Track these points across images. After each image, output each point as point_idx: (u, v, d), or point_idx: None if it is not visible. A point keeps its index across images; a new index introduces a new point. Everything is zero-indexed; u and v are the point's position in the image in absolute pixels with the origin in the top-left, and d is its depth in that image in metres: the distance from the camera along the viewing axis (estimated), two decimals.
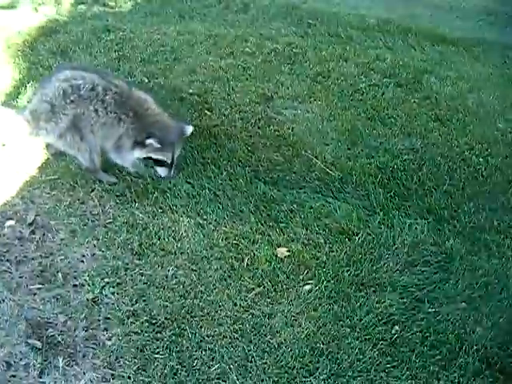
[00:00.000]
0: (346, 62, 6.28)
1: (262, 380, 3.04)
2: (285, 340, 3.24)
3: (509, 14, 9.13)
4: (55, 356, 3.08)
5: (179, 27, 6.79)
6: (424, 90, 5.87)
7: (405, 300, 3.53)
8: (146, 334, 3.20)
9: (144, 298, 3.41)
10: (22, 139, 4.42)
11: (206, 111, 5.15)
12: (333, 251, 3.81)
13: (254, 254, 3.73)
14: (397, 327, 3.36)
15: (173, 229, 3.88)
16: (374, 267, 3.72)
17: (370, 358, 3.18)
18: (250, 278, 3.58)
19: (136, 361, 3.07)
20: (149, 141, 3.99)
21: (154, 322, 3.28)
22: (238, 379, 3.02)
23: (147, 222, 3.92)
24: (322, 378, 3.06)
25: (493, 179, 4.68)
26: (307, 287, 3.55)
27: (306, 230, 3.96)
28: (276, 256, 3.74)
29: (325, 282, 3.57)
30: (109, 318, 3.29)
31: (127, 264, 3.61)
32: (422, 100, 5.69)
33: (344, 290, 3.54)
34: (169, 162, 4.13)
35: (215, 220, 3.97)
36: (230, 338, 3.23)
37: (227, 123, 5.01)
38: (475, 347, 3.27)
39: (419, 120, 5.34)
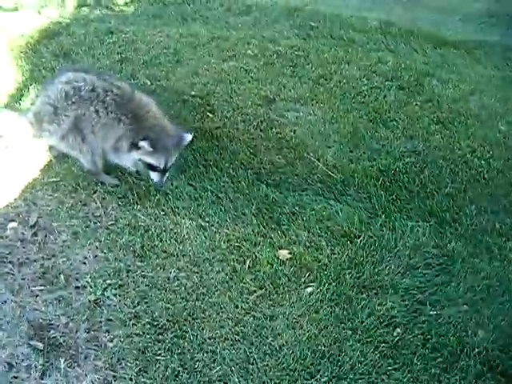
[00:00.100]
0: (348, 65, 6.27)
1: (264, 382, 3.05)
2: (286, 342, 3.24)
3: (510, 15, 9.11)
4: (57, 357, 3.08)
5: (182, 30, 6.80)
6: (426, 93, 5.87)
7: (406, 302, 3.53)
8: (148, 336, 3.21)
9: (146, 300, 3.41)
10: (25, 141, 4.43)
11: (208, 113, 5.15)
12: (334, 254, 3.81)
13: (256, 256, 3.74)
14: (398, 330, 3.36)
15: (175, 231, 3.88)
16: (376, 270, 3.72)
17: (371, 360, 3.18)
18: (251, 280, 3.58)
19: (138, 363, 3.08)
20: (142, 143, 3.95)
21: (155, 323, 3.28)
22: (239, 381, 3.03)
23: (149, 224, 3.92)
24: (323, 380, 3.07)
25: (495, 182, 4.68)
26: (309, 289, 3.56)
27: (308, 232, 3.96)
28: (278, 258, 3.74)
29: (326, 285, 3.58)
30: (111, 320, 3.30)
31: (129, 266, 3.62)
32: (424, 103, 5.69)
33: (346, 293, 3.55)
34: (161, 167, 4.05)
35: (217, 222, 3.98)
36: (232, 340, 3.24)
37: (229, 125, 5.01)
38: (477, 350, 3.27)
39: (421, 123, 5.34)
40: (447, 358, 3.23)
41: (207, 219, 4.00)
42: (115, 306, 3.38)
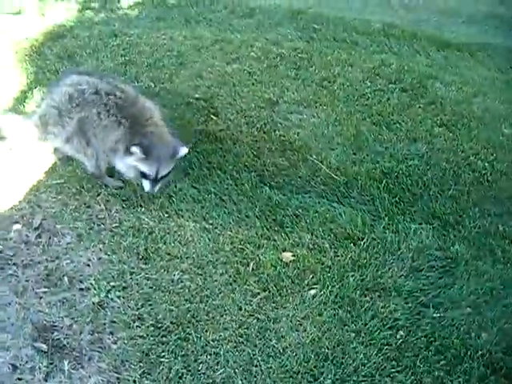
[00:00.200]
0: (352, 67, 6.28)
1: None
2: (290, 344, 3.25)
3: None
4: (61, 359, 3.09)
5: (185, 32, 6.80)
6: (429, 95, 5.87)
7: (410, 305, 3.53)
8: (152, 338, 3.22)
9: (150, 302, 3.42)
10: (29, 144, 4.44)
11: (211, 116, 5.16)
12: (338, 256, 3.82)
13: (260, 258, 3.74)
14: (402, 332, 3.36)
15: (179, 233, 3.89)
16: (379, 272, 3.73)
17: (374, 362, 3.18)
18: (255, 282, 3.59)
19: (141, 365, 3.09)
20: (134, 148, 3.91)
21: (159, 326, 3.29)
22: (242, 383, 3.04)
23: (153, 226, 3.93)
24: (326, 382, 3.07)
25: (498, 184, 4.68)
26: (312, 292, 3.56)
27: (311, 234, 3.96)
28: (281, 261, 3.75)
29: (330, 287, 3.58)
30: (114, 322, 3.31)
31: (133, 268, 3.63)
32: (427, 105, 5.69)
33: (349, 295, 3.55)
34: (152, 176, 3.99)
35: (221, 225, 3.98)
36: (235, 342, 3.24)
37: (233, 128, 5.02)
38: (480, 352, 3.27)
39: (424, 125, 5.34)
40: (450, 361, 3.23)
41: (211, 221, 4.00)
42: (119, 308, 3.39)
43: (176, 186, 4.25)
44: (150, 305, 3.41)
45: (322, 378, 3.09)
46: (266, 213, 4.11)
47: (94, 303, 3.39)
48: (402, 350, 3.26)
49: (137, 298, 3.44)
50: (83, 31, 6.72)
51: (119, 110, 4.02)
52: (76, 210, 4.03)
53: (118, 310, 3.37)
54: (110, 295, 3.45)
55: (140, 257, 3.71)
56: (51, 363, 3.07)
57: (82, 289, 3.50)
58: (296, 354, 3.19)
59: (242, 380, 3.05)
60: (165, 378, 3.03)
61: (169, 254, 3.74)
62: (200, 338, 3.24)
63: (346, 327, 3.37)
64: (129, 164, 4.07)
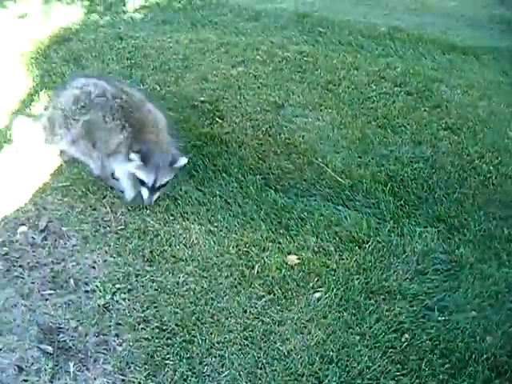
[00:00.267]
0: (357, 71, 6.29)
1: None
2: (294, 347, 3.25)
3: None
4: (66, 361, 3.10)
5: (191, 35, 6.83)
6: (434, 99, 5.87)
7: (414, 308, 3.53)
8: (157, 341, 3.22)
9: (155, 305, 3.42)
10: (36, 146, 4.47)
11: (217, 119, 5.17)
12: (343, 259, 3.82)
13: (265, 261, 3.74)
14: (406, 335, 3.36)
15: (184, 236, 3.90)
16: (384, 275, 3.72)
17: (379, 365, 3.18)
18: (260, 285, 3.59)
19: (146, 367, 3.09)
20: (132, 155, 3.89)
21: (164, 328, 3.29)
22: None
23: (158, 228, 3.94)
24: None
25: (503, 188, 4.68)
26: (317, 295, 3.56)
27: (317, 237, 3.96)
28: (286, 263, 3.75)
29: (335, 290, 3.58)
30: (120, 324, 3.31)
31: (138, 270, 3.63)
32: (433, 108, 5.69)
33: (354, 298, 3.55)
34: (149, 184, 3.95)
35: (226, 227, 3.99)
36: (240, 344, 3.24)
37: (238, 131, 5.03)
38: (485, 356, 3.26)
39: (429, 128, 5.34)
40: (455, 364, 3.22)
41: (216, 224, 4.01)
42: (124, 310, 3.39)
43: (181, 189, 4.26)
44: (156, 307, 3.41)
45: (326, 381, 3.09)
46: (271, 216, 4.11)
47: (99, 305, 3.40)
48: (406, 353, 3.26)
49: (142, 301, 3.45)
50: (89, 34, 6.75)
51: (124, 113, 4.02)
52: (82, 212, 4.04)
53: (124, 313, 3.37)
54: (115, 297, 3.45)
55: (145, 259, 3.72)
56: (57, 365, 3.07)
57: (87, 291, 3.50)
58: (301, 357, 3.19)
59: (246, 382, 3.04)
60: (170, 380, 3.03)
61: (174, 257, 3.75)
62: (205, 340, 3.24)
63: (351, 330, 3.37)
64: (127, 171, 4.05)
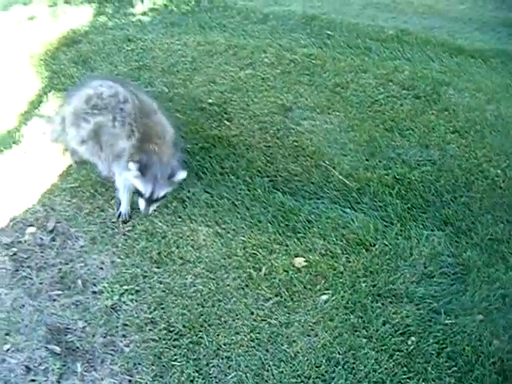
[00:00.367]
0: (365, 74, 6.28)
1: None
2: (301, 349, 3.26)
3: None
4: (74, 361, 3.13)
5: (199, 38, 6.83)
6: (442, 102, 5.85)
7: (421, 311, 3.53)
8: (164, 342, 3.24)
9: (162, 306, 3.45)
10: (44, 147, 4.50)
11: (225, 121, 5.18)
12: (350, 262, 3.83)
13: (272, 263, 3.75)
14: (413, 338, 3.36)
15: (191, 238, 3.91)
16: (391, 278, 3.73)
17: (385, 368, 3.19)
18: (267, 287, 3.60)
19: (154, 368, 3.11)
20: (131, 164, 3.82)
21: (171, 329, 3.32)
22: None
23: (166, 230, 3.95)
24: None
25: (511, 191, 4.66)
26: (324, 297, 3.57)
27: (324, 240, 3.97)
28: (293, 266, 3.76)
29: (342, 293, 3.59)
30: (127, 325, 3.33)
31: (146, 272, 3.65)
32: (440, 112, 5.68)
33: (361, 301, 3.56)
34: (146, 195, 3.88)
35: (233, 229, 4.00)
36: (247, 346, 3.26)
37: (246, 133, 5.04)
38: (492, 360, 3.27)
39: (437, 132, 5.33)
40: (462, 368, 3.23)
41: (223, 226, 4.02)
42: (132, 311, 3.41)
43: (189, 191, 4.27)
44: (163, 308, 3.44)
45: (333, 383, 3.10)
46: (279, 218, 4.12)
47: (107, 306, 3.43)
48: (413, 356, 3.27)
49: (149, 302, 3.47)
50: (97, 36, 6.76)
51: (134, 119, 3.99)
52: (90, 213, 4.07)
53: (131, 313, 3.40)
54: (122, 298, 3.48)
55: (153, 261, 3.74)
56: (64, 365, 3.10)
57: (95, 292, 3.53)
58: (307, 359, 3.20)
59: None
60: (177, 381, 3.06)
61: (181, 258, 3.76)
62: (212, 341, 3.26)
63: (358, 333, 3.38)
64: (127, 179, 3.99)
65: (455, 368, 3.22)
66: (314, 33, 7.38)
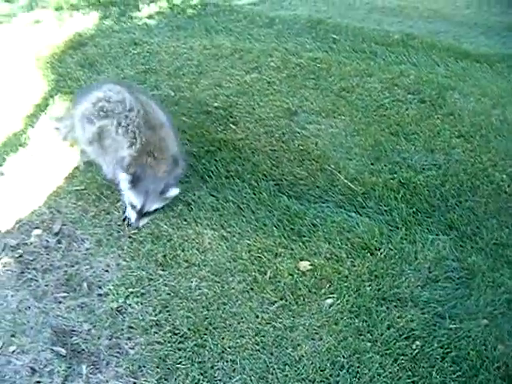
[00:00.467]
0: (370, 78, 6.28)
1: None
2: (306, 353, 3.26)
3: None
4: (79, 363, 3.13)
5: (205, 41, 6.85)
6: (447, 107, 5.85)
7: (426, 315, 3.53)
8: (169, 344, 3.25)
9: (167, 309, 3.45)
10: (50, 149, 4.52)
11: (230, 125, 5.19)
12: (355, 266, 3.83)
13: (277, 267, 3.76)
14: (418, 342, 3.36)
15: (197, 241, 3.92)
16: (396, 282, 3.73)
17: (390, 372, 3.19)
18: (272, 290, 3.61)
19: (158, 370, 3.12)
20: (122, 175, 3.87)
21: (176, 332, 3.32)
22: None
23: (171, 233, 3.96)
24: None
25: None
26: (329, 301, 3.57)
27: (329, 244, 3.97)
28: (298, 269, 3.76)
29: (346, 296, 3.59)
30: (132, 328, 3.34)
31: (151, 275, 3.66)
32: (446, 116, 5.68)
33: (365, 305, 3.56)
34: (137, 208, 3.89)
35: (239, 233, 4.00)
36: (252, 349, 3.26)
37: (252, 137, 5.04)
38: (496, 364, 3.26)
39: (442, 136, 5.33)
40: (466, 372, 3.22)
41: (229, 229, 4.02)
42: (137, 313, 3.42)
43: (194, 194, 4.28)
44: (168, 311, 3.44)
45: None
46: (284, 222, 4.12)
47: (112, 309, 3.43)
48: (417, 361, 3.27)
49: (155, 305, 3.47)
50: (104, 39, 6.78)
51: (137, 128, 3.99)
52: (95, 216, 4.07)
53: (136, 316, 3.40)
54: (128, 301, 3.48)
55: (158, 263, 3.74)
56: (69, 367, 3.11)
57: (100, 294, 3.54)
58: (312, 363, 3.21)
59: None
60: (181, 383, 3.06)
61: (187, 261, 3.77)
62: (217, 345, 3.27)
63: (362, 337, 3.38)
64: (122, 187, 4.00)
65: (460, 373, 3.22)
66: (320, 37, 7.39)
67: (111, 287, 3.55)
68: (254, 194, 4.34)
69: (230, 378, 3.11)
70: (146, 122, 4.02)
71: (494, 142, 5.32)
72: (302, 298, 3.58)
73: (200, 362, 3.17)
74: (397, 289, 3.68)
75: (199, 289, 3.59)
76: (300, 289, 3.63)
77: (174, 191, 3.93)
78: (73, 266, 3.70)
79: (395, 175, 4.70)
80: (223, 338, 3.30)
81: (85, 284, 3.58)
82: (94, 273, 3.67)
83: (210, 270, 3.71)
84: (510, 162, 5.07)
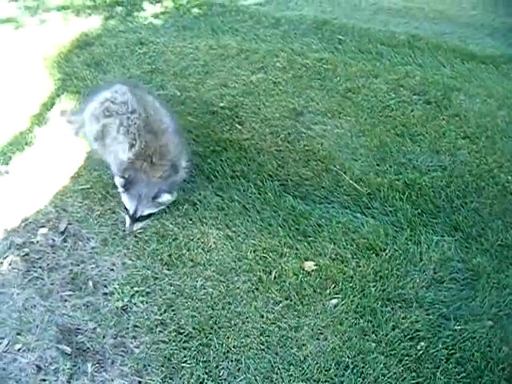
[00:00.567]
0: (376, 79, 6.28)
1: None
2: (310, 353, 3.26)
3: None
4: (84, 362, 3.14)
5: (211, 41, 6.86)
6: (453, 108, 5.85)
7: (431, 316, 3.53)
8: (174, 343, 3.25)
9: (172, 308, 3.46)
10: (56, 149, 4.53)
11: (236, 125, 5.20)
12: (360, 266, 3.83)
13: (282, 267, 3.76)
14: (422, 343, 3.36)
15: (202, 240, 3.92)
16: (401, 283, 3.73)
17: (394, 373, 3.19)
18: (277, 290, 3.61)
19: (163, 369, 3.12)
20: (116, 178, 3.88)
21: (181, 331, 3.33)
22: None
23: (177, 232, 3.97)
24: None
25: None
26: (334, 301, 3.58)
27: (334, 244, 3.97)
28: (303, 270, 3.76)
29: (351, 297, 3.59)
30: (137, 327, 3.35)
31: (157, 274, 3.67)
32: (451, 117, 5.67)
33: (370, 305, 3.56)
34: (130, 212, 3.88)
35: (244, 233, 4.01)
36: (257, 349, 3.26)
37: (257, 137, 5.05)
38: (501, 366, 3.26)
39: (448, 137, 5.33)
40: (471, 373, 3.22)
41: (234, 229, 4.03)
42: (142, 312, 3.43)
43: (200, 194, 4.28)
44: (173, 310, 3.45)
45: None
46: (289, 222, 4.13)
47: (117, 307, 3.44)
48: (422, 362, 3.27)
49: (160, 304, 3.48)
50: (110, 39, 6.80)
51: (137, 130, 4.01)
52: (101, 215, 4.08)
53: (141, 315, 3.41)
54: (133, 300, 3.49)
55: (164, 263, 3.75)
56: (74, 365, 3.12)
57: (106, 293, 3.55)
58: (317, 363, 3.21)
59: None
60: (186, 383, 3.07)
61: (192, 261, 3.78)
62: (222, 344, 3.27)
63: (367, 337, 3.38)
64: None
65: (464, 374, 3.21)
66: (326, 37, 7.39)
67: (116, 286, 3.56)
68: (260, 194, 4.34)
69: (235, 378, 3.12)
70: (146, 126, 4.03)
71: (499, 143, 5.32)
72: (306, 298, 3.58)
73: (205, 362, 3.18)
74: (402, 289, 3.68)
75: (204, 288, 3.60)
76: (305, 289, 3.63)
77: (166, 197, 3.93)
78: (78, 265, 3.71)
79: (400, 176, 4.70)
80: (228, 338, 3.31)
81: (90, 283, 3.59)
82: (99, 272, 3.67)
83: (215, 270, 3.72)
84: None
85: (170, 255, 3.79)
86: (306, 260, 3.84)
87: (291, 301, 3.56)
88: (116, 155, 4.07)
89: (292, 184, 4.55)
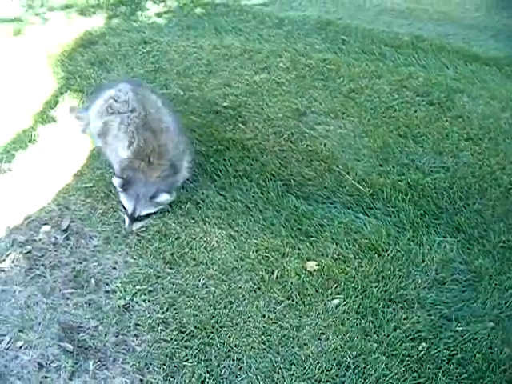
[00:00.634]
0: (379, 79, 6.28)
1: None
2: (312, 353, 3.27)
3: None
4: (86, 360, 3.14)
5: (215, 41, 6.86)
6: (456, 109, 5.85)
7: (432, 317, 3.53)
8: (176, 342, 3.25)
9: (174, 307, 3.46)
10: (59, 147, 4.54)
11: (239, 124, 5.20)
12: (362, 266, 3.83)
13: (284, 266, 3.76)
14: (424, 344, 3.36)
15: (204, 239, 3.93)
16: (403, 284, 3.73)
17: (396, 373, 3.19)
18: (279, 290, 3.61)
19: (165, 368, 3.12)
20: (114, 179, 3.89)
21: (183, 330, 3.33)
22: None
23: (179, 231, 3.97)
24: None
25: None
26: (335, 301, 3.58)
27: (336, 244, 3.97)
28: (305, 269, 3.76)
29: (353, 297, 3.59)
30: (139, 325, 3.35)
31: (159, 272, 3.67)
32: (454, 119, 5.67)
33: (372, 306, 3.56)
34: (129, 212, 3.89)
35: (246, 232, 4.01)
36: (258, 348, 3.27)
37: (260, 137, 5.05)
38: (502, 367, 3.26)
39: (451, 139, 5.32)
40: (472, 375, 3.22)
41: (236, 229, 4.03)
42: (144, 311, 3.43)
43: (203, 193, 4.29)
44: (175, 309, 3.45)
45: None
46: (292, 222, 4.13)
47: (119, 306, 3.44)
48: (423, 362, 3.27)
49: (162, 302, 3.48)
50: (114, 38, 6.81)
51: (135, 128, 4.02)
52: (104, 213, 4.09)
53: (143, 313, 3.41)
54: (135, 298, 3.49)
55: (166, 261, 3.75)
56: (76, 363, 3.12)
57: (108, 291, 3.55)
58: (318, 363, 3.21)
59: None
60: (188, 381, 3.07)
61: (194, 260, 3.78)
62: (223, 343, 3.27)
63: (369, 337, 3.38)
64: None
65: (465, 375, 3.21)
66: (329, 38, 7.40)
67: (119, 284, 3.57)
68: (262, 194, 4.34)
69: (236, 377, 3.12)
70: (144, 124, 4.04)
71: (502, 145, 5.31)
72: (308, 298, 3.58)
73: (206, 360, 3.18)
74: (403, 290, 3.69)
75: (206, 287, 3.60)
76: (307, 289, 3.63)
77: (164, 197, 3.92)
78: (81, 263, 3.71)
79: (403, 177, 4.70)
80: (230, 337, 3.31)
81: (92, 281, 3.59)
82: (101, 270, 3.68)
83: (218, 269, 3.72)
84: None
85: (172, 254, 3.80)
86: (308, 260, 3.84)
87: (293, 300, 3.56)
88: (117, 153, 4.09)
89: (295, 184, 4.55)
